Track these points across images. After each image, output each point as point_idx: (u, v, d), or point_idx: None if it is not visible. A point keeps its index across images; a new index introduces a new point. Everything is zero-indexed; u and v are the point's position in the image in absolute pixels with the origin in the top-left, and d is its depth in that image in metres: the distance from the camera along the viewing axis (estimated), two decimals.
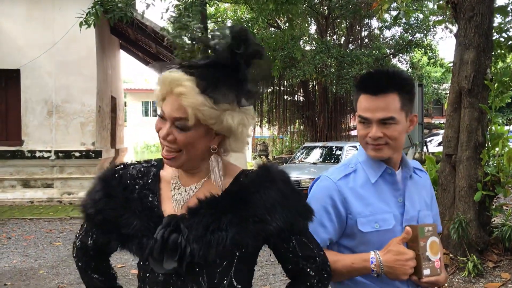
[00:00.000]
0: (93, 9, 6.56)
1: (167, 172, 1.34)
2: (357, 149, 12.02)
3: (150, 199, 1.28)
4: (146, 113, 27.35)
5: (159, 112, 1.27)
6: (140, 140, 24.93)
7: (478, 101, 5.30)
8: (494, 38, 7.35)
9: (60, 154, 10.69)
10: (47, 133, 10.78)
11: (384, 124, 1.57)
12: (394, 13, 14.44)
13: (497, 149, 5.28)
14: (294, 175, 9.86)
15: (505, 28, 7.28)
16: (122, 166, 1.37)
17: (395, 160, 1.66)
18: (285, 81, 18.23)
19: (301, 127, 21.71)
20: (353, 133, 21.43)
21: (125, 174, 1.33)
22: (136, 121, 26.89)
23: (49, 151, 10.67)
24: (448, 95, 5.96)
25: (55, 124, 10.81)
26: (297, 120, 20.96)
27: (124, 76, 22.76)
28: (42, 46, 10.49)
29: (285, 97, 20.24)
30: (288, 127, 21.82)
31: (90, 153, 10.79)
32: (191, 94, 1.17)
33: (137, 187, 1.30)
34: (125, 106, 21.88)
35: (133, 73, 27.71)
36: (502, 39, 7.72)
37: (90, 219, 1.33)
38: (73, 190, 10.69)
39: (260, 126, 20.87)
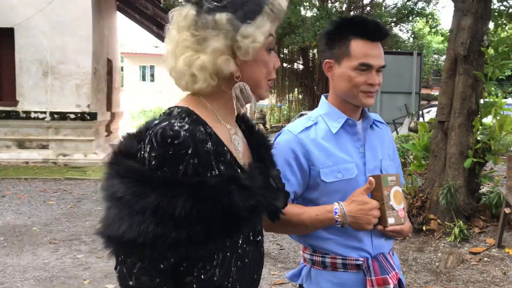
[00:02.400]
0: None
1: (208, 118, 1.14)
2: None
3: (228, 159, 1.13)
4: (143, 78, 27.15)
5: (271, 43, 1.18)
6: (137, 104, 24.82)
7: (474, 68, 5.27)
8: (495, 7, 7.25)
9: (55, 116, 10.65)
10: (42, 94, 10.71)
11: (379, 71, 1.58)
12: None
13: (489, 117, 5.28)
14: None
15: None
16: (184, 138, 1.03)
17: (358, 110, 1.65)
18: (285, 49, 18.02)
19: (300, 96, 21.63)
20: None
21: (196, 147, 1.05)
22: (133, 85, 26.72)
23: (44, 112, 10.63)
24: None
25: (50, 85, 10.73)
26: (295, 89, 20.84)
27: (122, 39, 22.49)
28: (37, 5, 10.31)
29: (284, 65, 20.06)
30: (287, 96, 21.73)
31: (85, 115, 10.75)
32: None
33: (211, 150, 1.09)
34: (122, 70, 21.70)
35: (132, 36, 27.36)
36: (503, 8, 7.61)
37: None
38: (68, 151, 10.70)
39: None
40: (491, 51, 5.52)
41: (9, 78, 10.69)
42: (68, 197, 7.41)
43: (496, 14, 7.45)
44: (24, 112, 10.57)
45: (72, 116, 10.70)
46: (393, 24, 15.71)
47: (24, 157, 10.49)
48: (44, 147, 10.73)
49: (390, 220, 1.50)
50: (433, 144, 5.51)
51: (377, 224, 1.50)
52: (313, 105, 18.17)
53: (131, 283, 1.02)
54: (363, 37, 1.54)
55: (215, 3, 1.11)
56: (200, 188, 1.01)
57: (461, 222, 4.96)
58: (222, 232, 1.06)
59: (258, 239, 1.23)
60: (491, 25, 6.78)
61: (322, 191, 1.58)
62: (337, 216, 1.49)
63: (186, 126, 1.03)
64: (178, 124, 1.03)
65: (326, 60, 1.63)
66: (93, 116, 10.82)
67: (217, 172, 1.06)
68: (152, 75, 27.00)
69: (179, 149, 1.00)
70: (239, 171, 1.13)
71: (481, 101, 5.39)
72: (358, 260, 1.57)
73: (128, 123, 21.15)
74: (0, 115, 10.43)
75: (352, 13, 18.03)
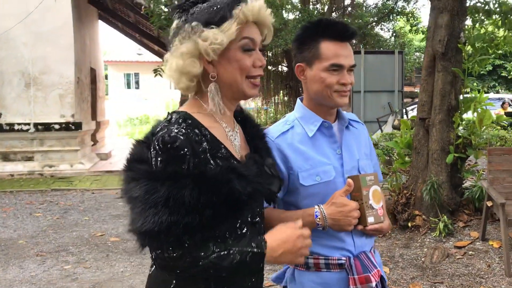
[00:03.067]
0: None
1: (204, 120, 1.30)
2: None
3: (224, 154, 1.28)
4: (128, 85, 27.03)
5: (246, 44, 1.30)
6: (123, 113, 24.68)
7: (452, 64, 5.35)
8: (471, 3, 7.37)
9: (39, 127, 10.56)
10: (25, 106, 10.61)
11: (350, 71, 1.61)
12: None
13: (469, 112, 5.36)
14: None
15: None
16: (179, 141, 1.19)
17: (333, 112, 1.69)
18: (269, 52, 18.06)
19: (285, 98, 21.66)
20: None
21: (191, 147, 1.21)
22: (118, 93, 26.57)
23: (28, 124, 10.53)
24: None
25: (33, 96, 10.64)
26: (281, 91, 20.90)
27: (105, 47, 22.38)
28: (17, 16, 10.22)
29: (269, 67, 20.11)
30: (273, 98, 21.77)
31: (70, 125, 10.68)
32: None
33: (206, 149, 1.24)
34: (106, 78, 21.59)
35: (115, 44, 27.21)
36: (479, 4, 7.72)
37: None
38: (54, 162, 10.62)
39: None
40: (468, 47, 5.62)
41: None
42: (54, 208, 7.36)
43: (473, 11, 7.57)
44: (7, 124, 10.46)
45: (57, 126, 10.62)
46: (374, 23, 15.84)
47: (9, 170, 10.38)
48: (29, 159, 10.63)
49: (370, 219, 1.54)
50: (415, 141, 5.58)
51: (357, 224, 1.53)
52: None
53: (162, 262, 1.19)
54: (332, 38, 1.58)
55: (189, 15, 1.29)
56: (202, 179, 1.17)
57: (445, 217, 5.03)
58: (229, 216, 1.22)
59: (257, 220, 1.35)
60: (469, 21, 6.90)
61: (302, 195, 1.61)
62: (317, 219, 1.51)
63: (183, 131, 1.19)
64: (175, 130, 1.19)
65: (298, 64, 1.65)
66: (77, 125, 10.75)
67: (213, 165, 1.21)
68: (137, 82, 26.89)
69: (178, 151, 1.17)
70: (235, 163, 1.27)
71: (461, 97, 5.47)
72: (340, 259, 1.60)
73: (114, 132, 21.04)
74: None
75: (334, 14, 18.16)
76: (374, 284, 1.57)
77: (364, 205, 1.53)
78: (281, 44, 14.05)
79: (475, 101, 5.25)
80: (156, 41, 13.70)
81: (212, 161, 1.22)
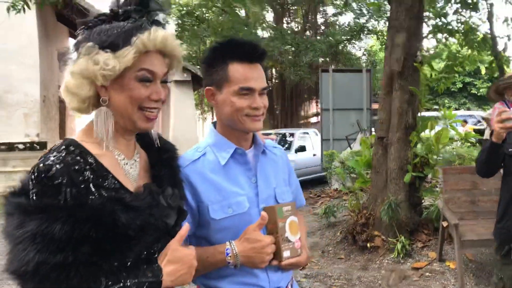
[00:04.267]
0: None
1: (93, 147, 1.20)
2: (309, 134, 12.09)
3: (112, 184, 1.18)
4: None
5: (143, 75, 1.21)
6: None
7: (409, 83, 5.35)
8: (430, 23, 7.46)
9: (2, 147, 10.29)
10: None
11: (262, 94, 1.50)
12: None
13: (426, 131, 5.35)
14: None
15: (443, 13, 7.38)
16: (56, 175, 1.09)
17: (248, 137, 1.58)
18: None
19: None
20: (313, 120, 21.56)
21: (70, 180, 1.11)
22: None
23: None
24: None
25: None
26: None
27: None
28: None
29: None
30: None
31: (35, 144, 10.42)
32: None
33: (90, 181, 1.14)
34: None
35: None
36: (440, 23, 7.83)
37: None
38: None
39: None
40: (428, 67, 5.64)
41: None
42: None
43: (436, 30, 7.66)
44: None
45: (21, 146, 10.36)
46: (346, 42, 16.01)
47: None
48: None
49: (286, 254, 1.45)
50: (374, 160, 5.54)
51: (272, 259, 1.44)
52: (273, 124, 18.23)
53: None
54: (240, 60, 1.47)
55: (91, 33, 1.20)
56: (79, 211, 1.07)
57: (403, 237, 4.96)
58: (115, 251, 1.12)
59: (155, 257, 1.23)
60: (433, 40, 6.97)
61: (213, 229, 1.49)
62: (228, 258, 1.41)
63: (60, 159, 1.10)
64: (52, 158, 1.10)
65: (207, 87, 1.54)
66: (42, 145, 10.49)
67: (97, 196, 1.11)
68: None
69: (53, 180, 1.07)
70: (124, 193, 1.17)
71: (419, 114, 5.47)
72: None
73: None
74: None
75: (307, 32, 18.32)
76: None
77: (279, 238, 1.44)
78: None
79: (432, 120, 5.24)
80: None
81: (95, 192, 1.12)
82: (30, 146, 10.39)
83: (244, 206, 1.49)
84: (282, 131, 12.52)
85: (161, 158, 1.36)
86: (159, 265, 1.19)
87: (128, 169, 1.26)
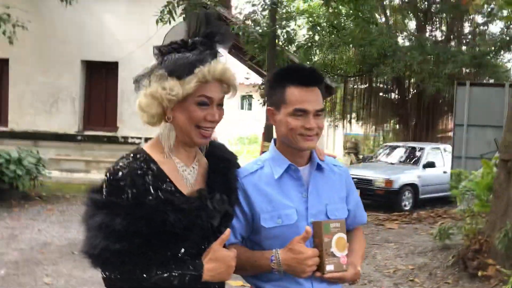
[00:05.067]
0: (167, 7, 7.11)
1: (157, 155, 1.45)
2: (441, 150, 11.42)
3: (168, 187, 1.41)
4: (242, 107, 28.22)
5: (201, 101, 1.44)
6: (234, 132, 25.84)
7: None
8: None
9: (148, 141, 11.59)
10: (138, 121, 11.39)
11: (317, 115, 1.64)
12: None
13: None
14: (368, 174, 9.75)
15: None
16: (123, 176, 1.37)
17: (304, 155, 1.70)
18: (379, 78, 17.72)
19: (397, 126, 20.98)
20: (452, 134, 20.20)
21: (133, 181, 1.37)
22: (232, 114, 27.79)
23: (140, 138, 11.61)
24: None
25: None
26: (389, 119, 20.31)
27: None
28: (138, 41, 11.36)
29: (381, 94, 19.69)
30: (382, 126, 21.22)
31: None
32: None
33: (150, 182, 1.38)
34: None
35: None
36: None
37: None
38: None
39: (350, 123, 20.52)
40: None
41: (112, 106, 11.91)
42: None
43: None
44: (123, 137, 11.66)
45: None
46: (492, 53, 14.68)
47: None
48: None
49: (329, 267, 1.55)
50: (496, 184, 5.17)
51: (316, 270, 1.56)
52: (408, 136, 17.52)
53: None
54: (297, 84, 1.62)
55: (163, 60, 1.46)
56: (137, 209, 1.32)
57: None
58: (163, 246, 1.35)
59: (200, 253, 1.43)
60: None
61: (264, 236, 1.65)
62: (273, 264, 1.57)
63: (127, 164, 1.38)
64: (121, 163, 1.38)
65: (268, 107, 1.72)
66: None
67: (154, 197, 1.35)
68: (250, 104, 27.91)
69: (118, 182, 1.34)
70: (177, 196, 1.39)
71: None
72: None
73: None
74: (102, 139, 11.63)
75: (452, 43, 17.26)
76: None
77: (324, 252, 1.54)
78: (387, 72, 13.74)
79: None
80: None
81: (154, 193, 1.35)
82: None
83: (293, 218, 1.63)
84: (411, 144, 12.07)
85: (218, 166, 1.56)
86: (202, 261, 1.40)
87: (186, 175, 1.47)
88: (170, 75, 1.40)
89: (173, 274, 1.35)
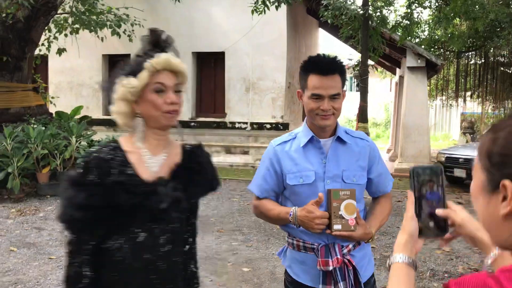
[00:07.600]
0: None
1: (128, 145, 1.69)
2: None
3: (129, 172, 1.64)
4: (350, 88, 27.90)
5: (157, 88, 1.66)
6: (342, 113, 25.78)
7: None
8: None
9: (254, 126, 12.24)
10: (244, 107, 12.44)
11: (334, 98, 1.99)
12: None
13: None
14: (469, 154, 9.34)
15: None
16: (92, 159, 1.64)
17: (326, 129, 2.05)
18: (495, 51, 16.50)
19: None
20: None
21: (99, 164, 1.62)
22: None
23: (246, 123, 12.32)
24: None
25: (251, 99, 12.38)
26: (511, 95, 18.75)
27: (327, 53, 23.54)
28: (242, 30, 12.03)
29: (501, 68, 18.26)
30: (502, 103, 19.66)
31: (279, 125, 12.06)
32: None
33: (113, 167, 1.62)
34: None
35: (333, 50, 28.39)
36: None
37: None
38: None
39: (464, 101, 19.32)
40: None
41: (220, 94, 12.74)
42: (249, 196, 8.60)
43: None
44: (231, 122, 12.44)
45: (268, 126, 12.14)
46: None
47: (230, 161, 12.34)
48: (245, 153, 12.42)
49: (336, 227, 1.90)
50: None
51: (326, 228, 1.93)
52: None
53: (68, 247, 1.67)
54: (316, 72, 1.98)
55: (122, 68, 1.70)
56: (96, 187, 1.58)
57: None
58: (114, 219, 1.62)
59: (154, 226, 1.66)
60: None
61: (291, 192, 2.10)
62: (290, 218, 2.01)
63: (97, 151, 1.66)
64: (93, 149, 1.70)
65: (298, 90, 2.12)
66: (285, 126, 12.06)
67: (113, 179, 1.59)
68: (357, 85, 27.55)
69: (88, 164, 1.62)
70: (133, 179, 1.63)
71: None
72: (313, 244, 2.04)
73: None
74: (212, 125, 12.52)
75: None
76: (331, 267, 1.96)
77: (332, 214, 1.90)
78: (502, 44, 12.79)
79: None
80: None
81: (114, 176, 1.60)
82: (275, 126, 12.06)
83: (311, 179, 2.03)
84: None
85: (188, 164, 1.79)
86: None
87: (150, 163, 1.69)
88: (127, 75, 1.65)
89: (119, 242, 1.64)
